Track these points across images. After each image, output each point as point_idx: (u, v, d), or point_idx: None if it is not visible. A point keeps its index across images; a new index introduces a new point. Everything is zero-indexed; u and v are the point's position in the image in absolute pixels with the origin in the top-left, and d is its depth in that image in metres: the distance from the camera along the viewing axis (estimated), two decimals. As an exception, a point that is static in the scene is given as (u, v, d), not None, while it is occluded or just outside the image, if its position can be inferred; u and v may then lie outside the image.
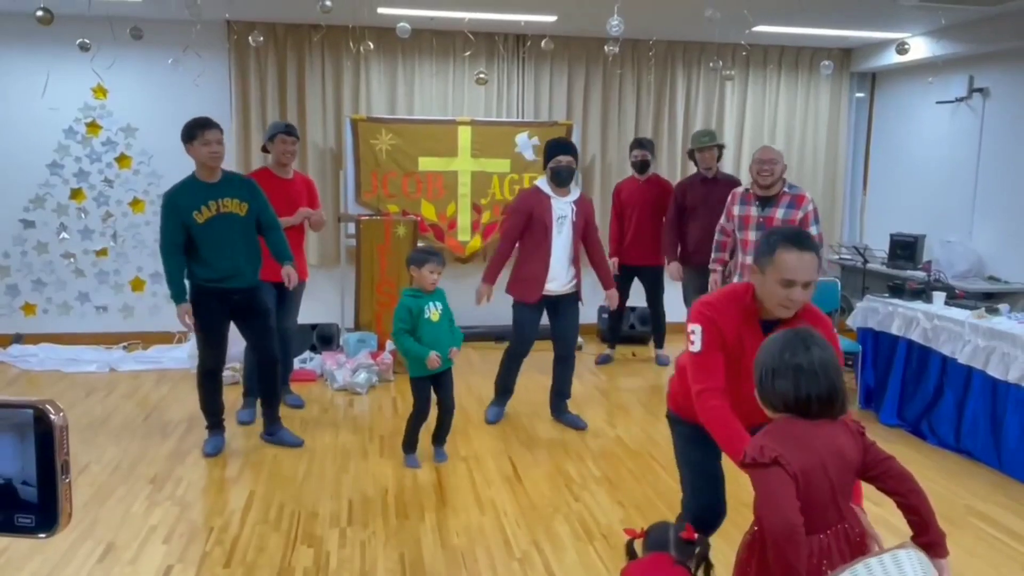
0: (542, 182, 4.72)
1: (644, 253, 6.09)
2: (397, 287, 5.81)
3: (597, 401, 5.46)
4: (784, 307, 2.34)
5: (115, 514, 3.61)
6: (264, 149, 5.15)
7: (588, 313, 6.48)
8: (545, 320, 4.83)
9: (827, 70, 5.72)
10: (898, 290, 5.13)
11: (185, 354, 6.04)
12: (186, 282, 4.17)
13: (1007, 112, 6.02)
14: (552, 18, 6.10)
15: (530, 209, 4.63)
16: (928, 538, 1.95)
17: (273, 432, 4.53)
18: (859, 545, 1.94)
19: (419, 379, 4.14)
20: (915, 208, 6.81)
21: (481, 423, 4.95)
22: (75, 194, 6.50)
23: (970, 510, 3.83)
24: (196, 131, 4.10)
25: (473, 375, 6.03)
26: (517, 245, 4.74)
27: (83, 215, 6.53)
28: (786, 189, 4.76)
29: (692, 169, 6.15)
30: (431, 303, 4.10)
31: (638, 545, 2.38)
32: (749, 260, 4.80)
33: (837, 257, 7.25)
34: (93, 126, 6.46)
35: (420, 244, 6.14)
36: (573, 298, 4.77)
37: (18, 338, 6.41)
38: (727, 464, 2.46)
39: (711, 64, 6.48)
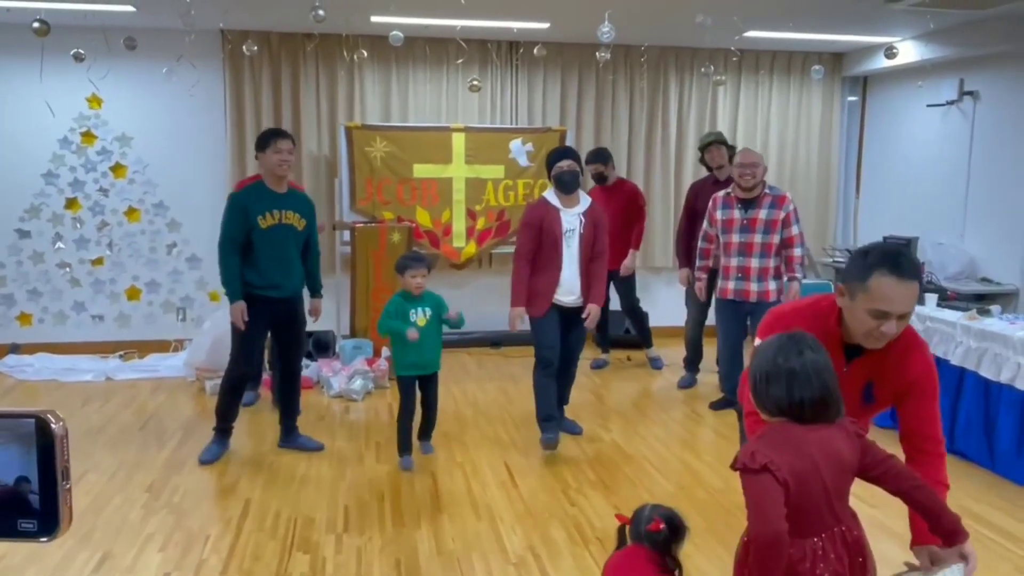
0: (550, 193, 4.56)
1: (614, 258, 6.06)
2: (392, 294, 5.82)
3: (592, 406, 5.48)
4: (873, 338, 2.02)
5: (112, 522, 3.62)
6: (257, 157, 5.24)
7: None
8: None
9: (818, 75, 5.76)
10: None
11: (181, 362, 6.05)
12: None
13: (997, 115, 6.06)
14: (545, 25, 6.14)
15: (539, 222, 4.45)
16: (943, 528, 1.91)
17: (291, 440, 4.55)
18: (856, 548, 1.94)
19: (404, 377, 4.32)
20: (907, 210, 6.85)
21: (476, 429, 4.97)
22: (70, 204, 6.51)
23: (964, 511, 3.82)
24: (269, 140, 4.22)
25: (468, 380, 6.06)
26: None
27: (78, 224, 6.54)
28: (767, 190, 4.84)
29: (685, 173, 6.22)
30: (419, 308, 4.25)
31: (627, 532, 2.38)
32: (734, 263, 4.85)
33: (831, 260, 7.28)
34: (88, 136, 6.47)
35: (408, 251, 6.17)
36: (581, 313, 4.55)
37: (14, 348, 6.42)
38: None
39: (703, 70, 6.53)
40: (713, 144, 5.72)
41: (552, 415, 4.55)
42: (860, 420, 2.18)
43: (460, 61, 6.72)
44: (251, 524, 3.64)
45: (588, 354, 6.76)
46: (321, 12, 4.58)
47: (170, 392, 5.69)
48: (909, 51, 6.45)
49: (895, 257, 1.98)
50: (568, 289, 4.51)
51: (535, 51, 5.74)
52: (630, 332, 6.74)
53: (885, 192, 7.33)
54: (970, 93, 6.27)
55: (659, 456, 4.54)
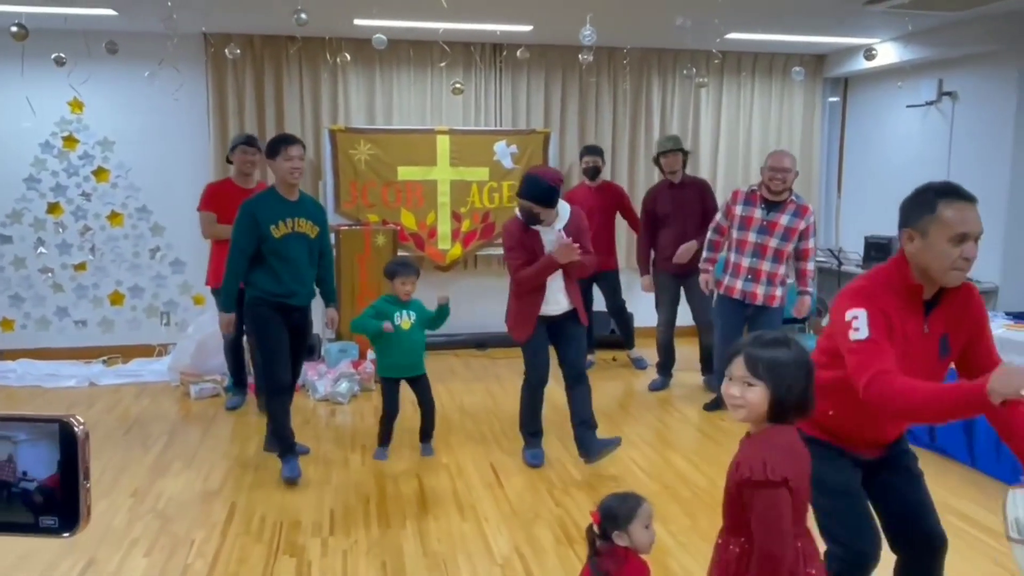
0: None
1: (599, 258, 6.10)
2: (378, 297, 5.83)
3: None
4: (958, 269, 2.08)
5: (96, 528, 3.60)
6: (228, 160, 5.36)
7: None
8: None
9: (798, 76, 5.81)
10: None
11: (165, 367, 6.02)
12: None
13: (975, 115, 6.13)
14: (528, 28, 6.16)
15: (522, 242, 4.15)
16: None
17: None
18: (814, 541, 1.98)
19: (387, 379, 4.41)
20: (888, 210, 6.79)
21: (462, 430, 4.98)
22: (52, 208, 6.47)
23: (945, 507, 3.86)
24: (280, 146, 4.09)
25: (455, 382, 6.07)
26: (509, 279, 4.31)
27: (61, 229, 6.50)
28: (793, 198, 4.79)
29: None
30: (403, 311, 4.33)
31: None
32: (745, 263, 4.80)
33: (813, 260, 7.33)
34: (70, 140, 6.44)
35: (399, 254, 6.18)
36: (574, 317, 4.30)
37: (-6, 354, 6.38)
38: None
39: (685, 72, 6.57)
40: (672, 152, 5.70)
41: (538, 431, 4.46)
42: (936, 376, 2.19)
43: (444, 64, 6.74)
44: (236, 528, 3.63)
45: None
46: (304, 15, 4.58)
47: (154, 397, 5.66)
48: (888, 52, 6.52)
49: (951, 185, 2.13)
50: (553, 301, 4.23)
51: (518, 53, 5.76)
52: (615, 333, 6.77)
53: (866, 192, 7.40)
54: (949, 94, 6.34)
55: (644, 455, 4.56)
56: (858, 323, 2.07)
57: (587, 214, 5.84)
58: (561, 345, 4.36)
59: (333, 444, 4.72)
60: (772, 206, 4.77)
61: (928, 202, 2.11)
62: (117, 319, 6.69)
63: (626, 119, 7.27)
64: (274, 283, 4.10)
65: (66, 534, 0.91)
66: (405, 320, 4.30)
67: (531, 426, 4.44)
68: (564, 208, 4.26)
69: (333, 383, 5.60)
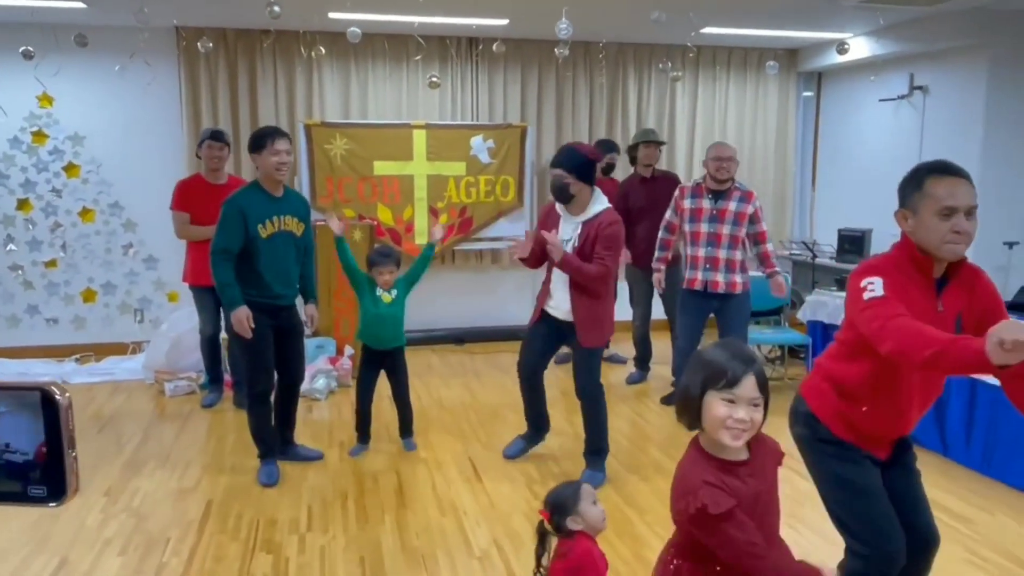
0: None
1: None
2: (353, 294, 5.80)
3: (557, 400, 5.49)
4: (952, 243, 2.09)
5: (69, 528, 3.56)
6: (198, 155, 5.30)
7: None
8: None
9: (772, 70, 5.84)
10: (846, 283, 5.26)
11: (139, 365, 5.95)
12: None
13: (946, 108, 6.21)
14: (504, 21, 6.15)
15: (543, 224, 4.07)
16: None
17: (289, 452, 4.33)
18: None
19: (366, 348, 4.47)
20: (862, 203, 6.98)
21: (441, 425, 4.97)
22: (22, 204, 6.37)
23: (917, 495, 3.94)
24: (265, 140, 3.89)
25: (432, 377, 6.06)
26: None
27: (31, 226, 6.40)
28: (737, 185, 4.91)
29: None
30: (388, 289, 4.42)
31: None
32: (702, 253, 4.87)
33: (787, 253, 7.41)
34: (39, 135, 6.33)
35: (377, 246, 6.14)
36: (576, 329, 4.05)
37: (-35, 353, 6.27)
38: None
39: (660, 66, 6.59)
40: (650, 143, 5.76)
41: (531, 420, 4.42)
42: None
43: (419, 58, 6.70)
44: (213, 526, 3.60)
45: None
46: (277, 8, 4.54)
47: (128, 395, 5.60)
48: (861, 47, 6.59)
49: (939, 161, 2.18)
50: (557, 302, 4.06)
51: (494, 47, 5.74)
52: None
53: (840, 185, 7.47)
54: (920, 88, 6.42)
55: (622, 449, 4.58)
56: (873, 287, 2.09)
57: None
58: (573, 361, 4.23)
59: (310, 440, 4.68)
60: (718, 195, 4.87)
61: (917, 180, 2.18)
62: (89, 316, 6.60)
63: (603, 113, 7.28)
64: (259, 285, 3.93)
65: (53, 504, 0.92)
66: (386, 295, 4.36)
67: (526, 413, 4.45)
68: (599, 203, 3.94)
69: (311, 379, 5.56)
